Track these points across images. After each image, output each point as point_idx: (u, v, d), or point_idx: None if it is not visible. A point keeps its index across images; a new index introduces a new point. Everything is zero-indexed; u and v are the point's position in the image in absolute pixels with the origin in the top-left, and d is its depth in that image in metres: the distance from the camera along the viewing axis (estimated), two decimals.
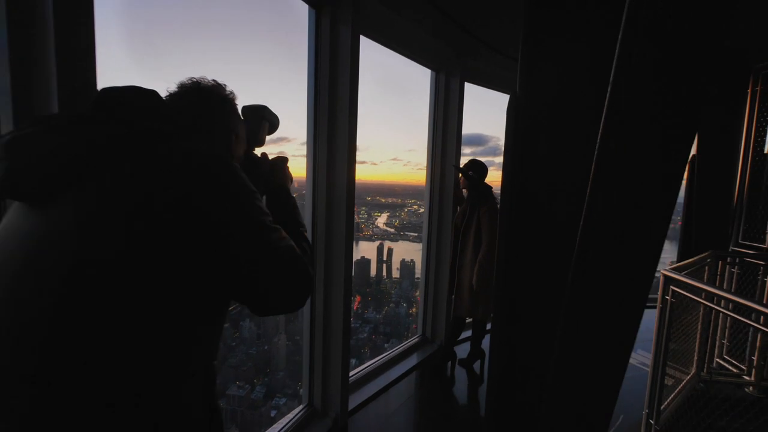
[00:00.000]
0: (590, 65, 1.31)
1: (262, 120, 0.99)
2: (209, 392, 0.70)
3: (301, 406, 2.20)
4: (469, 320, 3.14)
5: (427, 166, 3.16)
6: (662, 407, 2.23)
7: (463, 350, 3.14)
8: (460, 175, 2.91)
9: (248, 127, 0.95)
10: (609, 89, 1.03)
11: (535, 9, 1.44)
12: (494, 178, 2.92)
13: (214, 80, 0.85)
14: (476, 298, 2.79)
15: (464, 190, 3.00)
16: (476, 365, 3.00)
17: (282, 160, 1.01)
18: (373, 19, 2.20)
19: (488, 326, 3.14)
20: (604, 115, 1.03)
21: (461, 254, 2.86)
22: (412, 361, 3.01)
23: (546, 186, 1.44)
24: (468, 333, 3.24)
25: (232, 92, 0.89)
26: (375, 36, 2.33)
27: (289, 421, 2.06)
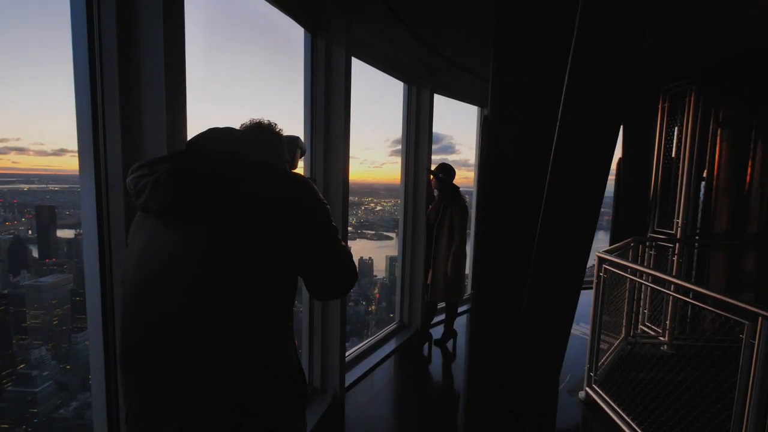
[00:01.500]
0: (544, 92, 1.76)
1: (297, 148, 1.25)
2: (295, 352, 0.98)
3: None
4: (441, 305, 3.58)
5: (401, 168, 3.55)
6: (599, 364, 2.82)
7: (436, 332, 3.58)
8: (431, 176, 3.33)
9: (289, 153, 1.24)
10: (559, 113, 1.46)
11: (501, 45, 1.86)
12: (459, 177, 3.38)
13: (269, 120, 1.09)
14: (449, 285, 3.23)
15: (435, 190, 3.42)
16: (449, 344, 3.46)
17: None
18: (360, 41, 2.53)
19: (459, 309, 3.60)
20: (557, 131, 1.47)
21: (436, 247, 3.28)
22: (392, 345, 3.40)
23: (512, 186, 1.88)
24: (441, 317, 3.68)
25: (281, 129, 1.11)
26: (360, 56, 2.66)
27: None
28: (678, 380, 2.40)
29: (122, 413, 1.13)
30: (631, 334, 3.46)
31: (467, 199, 3.37)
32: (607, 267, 2.61)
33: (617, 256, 2.76)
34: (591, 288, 2.72)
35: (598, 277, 2.62)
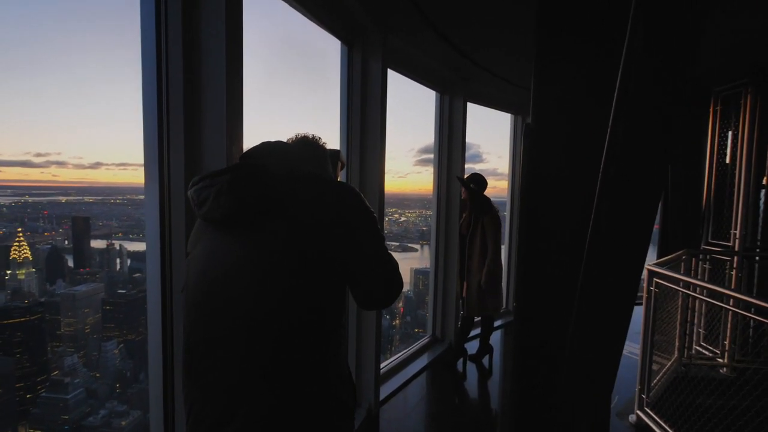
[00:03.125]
0: (592, 96, 1.76)
1: (338, 161, 1.27)
2: (346, 360, 1.02)
3: None
4: (477, 319, 3.55)
5: (434, 178, 3.58)
6: (650, 386, 2.70)
7: (471, 348, 3.54)
8: (462, 187, 3.34)
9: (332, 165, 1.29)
10: (611, 120, 1.46)
11: (546, 41, 1.87)
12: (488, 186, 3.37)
13: (313, 134, 1.15)
14: (485, 298, 3.20)
15: (466, 201, 3.41)
16: (485, 360, 3.41)
17: None
18: (394, 52, 2.61)
19: (495, 323, 3.55)
20: (608, 136, 1.46)
21: (469, 260, 3.27)
22: (425, 359, 3.39)
23: (556, 199, 1.87)
24: (476, 331, 3.64)
25: (325, 142, 1.17)
26: (394, 66, 2.74)
27: None
28: (742, 407, 2.27)
29: (181, 414, 1.20)
30: (685, 355, 3.30)
31: (499, 210, 3.36)
32: (659, 281, 2.52)
33: (668, 269, 2.66)
34: (640, 304, 2.63)
35: (649, 291, 2.54)
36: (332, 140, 2.46)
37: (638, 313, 2.64)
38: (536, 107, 1.91)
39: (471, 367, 3.36)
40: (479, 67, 3.21)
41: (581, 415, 1.79)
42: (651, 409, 2.51)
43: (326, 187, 0.95)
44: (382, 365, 3.15)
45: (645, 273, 2.57)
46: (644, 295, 2.56)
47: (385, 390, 2.91)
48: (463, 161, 3.53)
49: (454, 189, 3.54)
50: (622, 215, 1.47)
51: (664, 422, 2.37)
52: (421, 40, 2.66)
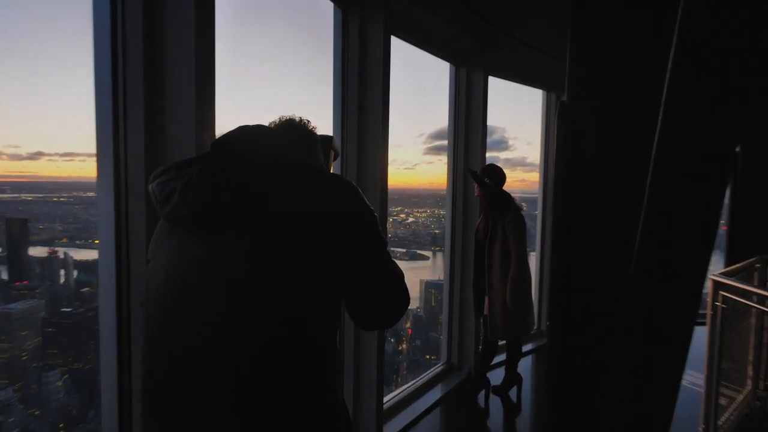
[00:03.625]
0: (638, 70, 1.76)
1: (331, 149, 1.28)
2: (340, 385, 1.03)
3: None
4: (501, 343, 3.55)
5: (448, 171, 3.59)
6: (719, 423, 2.70)
7: (496, 377, 3.53)
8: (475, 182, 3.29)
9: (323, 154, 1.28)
10: (663, 97, 1.46)
11: (581, 10, 1.88)
12: (514, 178, 3.35)
13: (300, 117, 1.15)
14: (511, 318, 3.19)
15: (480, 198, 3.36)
16: (512, 392, 3.41)
17: None
18: (396, 14, 2.62)
19: (524, 347, 3.55)
20: (660, 119, 1.46)
21: (489, 272, 3.25)
22: (437, 393, 3.39)
23: (597, 189, 1.87)
24: (501, 357, 3.64)
25: (315, 127, 1.16)
26: (397, 32, 2.75)
27: None
28: None
29: None
30: (761, 386, 3.29)
31: (524, 208, 3.31)
32: (726, 294, 2.52)
33: (739, 280, 2.65)
34: (703, 323, 2.62)
35: (714, 308, 2.53)
36: (324, 125, 2.48)
37: (701, 334, 2.64)
38: (573, 81, 1.91)
39: (495, 401, 3.36)
40: (500, 32, 3.21)
41: None
42: None
43: (318, 178, 0.94)
44: (385, 399, 3.16)
45: (709, 285, 2.57)
46: (708, 312, 2.55)
47: (389, 429, 2.91)
48: (483, 150, 3.53)
49: (469, 185, 3.55)
50: (679, 212, 1.47)
51: None
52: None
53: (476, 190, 3.31)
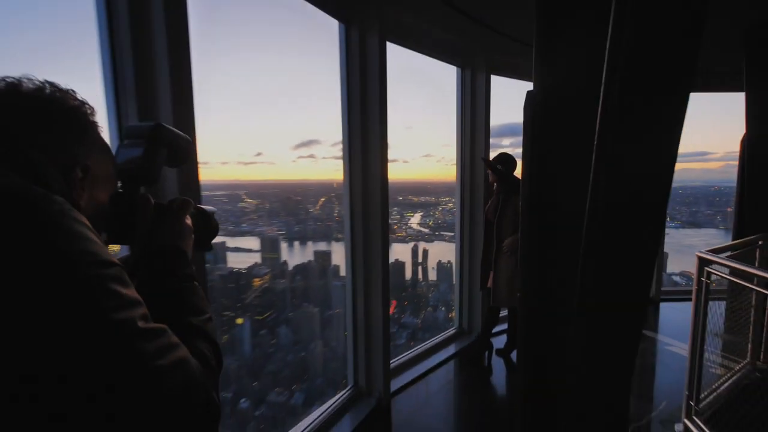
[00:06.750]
0: (602, 57, 1.52)
1: (157, 146, 0.69)
2: None
3: (348, 387, 2.52)
4: (504, 312, 3.34)
5: (456, 162, 3.40)
6: (707, 393, 2.34)
7: (499, 341, 3.34)
8: (489, 169, 3.11)
9: (134, 156, 0.66)
10: (604, 70, 1.24)
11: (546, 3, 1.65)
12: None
13: (47, 81, 0.56)
14: (513, 288, 2.98)
15: (494, 184, 3.18)
16: (514, 354, 3.20)
17: (180, 206, 0.71)
18: (397, 27, 2.49)
19: None
20: (601, 95, 1.25)
21: (498, 246, 3.06)
22: (450, 350, 3.26)
23: (562, 181, 1.66)
24: (504, 325, 3.43)
25: (84, 103, 0.59)
26: (400, 41, 2.62)
27: (337, 399, 2.39)
28: None
29: None
30: (761, 359, 2.81)
31: None
32: (714, 272, 2.15)
33: (732, 258, 2.27)
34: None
35: (699, 283, 2.18)
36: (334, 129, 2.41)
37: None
38: (540, 72, 1.70)
39: (498, 362, 3.17)
40: (499, 34, 2.95)
41: (592, 420, 1.59)
42: (702, 420, 2.17)
43: None
44: (401, 355, 3.09)
45: (696, 261, 2.21)
46: (694, 287, 2.20)
47: (405, 378, 2.85)
48: (487, 142, 3.30)
49: (478, 173, 3.34)
50: (621, 193, 1.25)
51: None
52: (426, 8, 2.50)
53: (490, 176, 3.13)
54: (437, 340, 3.33)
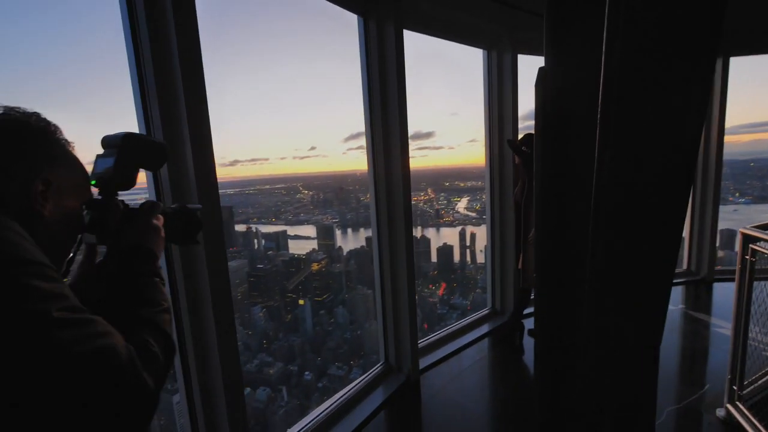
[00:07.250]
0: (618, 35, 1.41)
1: (128, 154, 0.72)
2: None
3: (379, 363, 2.62)
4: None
5: (485, 145, 3.30)
6: (755, 377, 2.14)
7: (530, 322, 3.25)
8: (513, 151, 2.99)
9: (107, 166, 0.71)
10: (603, 42, 1.16)
11: None
12: None
13: (10, 107, 0.62)
14: None
15: (519, 166, 3.05)
16: None
17: (149, 209, 0.75)
18: (415, 14, 2.45)
19: None
20: (602, 67, 1.17)
21: (526, 228, 2.96)
22: (483, 329, 3.25)
23: (576, 161, 1.57)
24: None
25: (49, 124, 0.65)
26: (421, 28, 2.57)
27: (368, 375, 2.50)
28: None
29: None
30: None
31: None
32: (759, 248, 1.93)
33: None
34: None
35: (743, 262, 1.97)
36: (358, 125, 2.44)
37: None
38: (552, 46, 1.61)
39: (529, 342, 3.10)
40: (525, 12, 2.79)
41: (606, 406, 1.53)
42: (746, 406, 1.99)
43: None
44: (433, 333, 3.13)
45: (739, 237, 2.00)
46: (738, 266, 2.00)
47: (437, 355, 2.89)
48: (516, 125, 3.17)
49: (506, 156, 3.22)
50: (628, 163, 1.18)
51: (761, 422, 1.86)
52: None
53: (515, 159, 3.02)
54: (470, 320, 3.33)
